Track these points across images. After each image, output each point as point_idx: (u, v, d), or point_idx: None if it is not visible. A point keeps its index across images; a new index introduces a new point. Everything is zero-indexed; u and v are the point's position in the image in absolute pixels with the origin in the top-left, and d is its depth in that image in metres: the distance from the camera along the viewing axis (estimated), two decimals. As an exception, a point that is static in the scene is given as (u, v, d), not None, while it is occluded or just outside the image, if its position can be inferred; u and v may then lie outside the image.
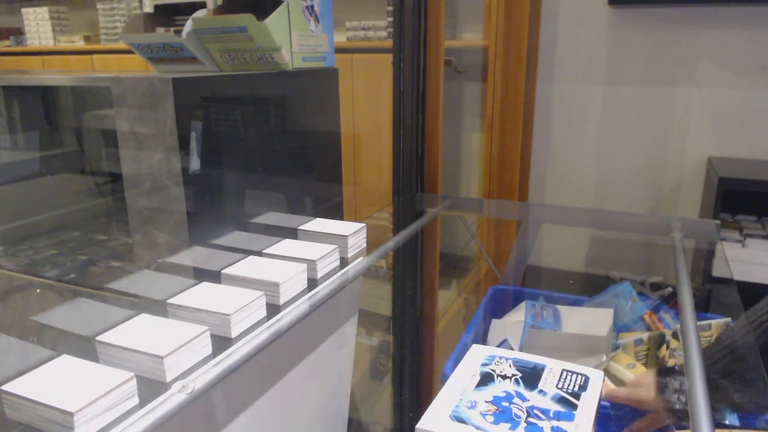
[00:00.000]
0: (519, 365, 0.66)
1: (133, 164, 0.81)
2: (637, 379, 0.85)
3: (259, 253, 0.84)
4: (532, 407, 0.58)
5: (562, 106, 2.32)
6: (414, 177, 1.45)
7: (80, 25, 3.73)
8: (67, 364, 0.55)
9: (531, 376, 0.64)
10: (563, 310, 1.38)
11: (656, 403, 0.79)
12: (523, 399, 0.59)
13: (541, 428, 0.55)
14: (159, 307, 0.68)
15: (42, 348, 0.63)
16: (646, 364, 1.18)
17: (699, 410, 0.59)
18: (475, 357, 0.68)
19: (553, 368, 0.65)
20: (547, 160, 2.39)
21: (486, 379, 0.63)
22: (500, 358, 0.67)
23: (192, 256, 0.82)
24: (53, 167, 1.29)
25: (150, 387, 0.55)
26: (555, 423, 0.56)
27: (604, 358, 1.16)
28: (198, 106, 0.80)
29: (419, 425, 0.55)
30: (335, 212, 1.16)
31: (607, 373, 1.11)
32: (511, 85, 1.90)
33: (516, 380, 0.63)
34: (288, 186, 1.03)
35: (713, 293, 1.69)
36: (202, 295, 0.69)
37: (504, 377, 0.63)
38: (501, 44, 1.88)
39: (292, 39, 0.97)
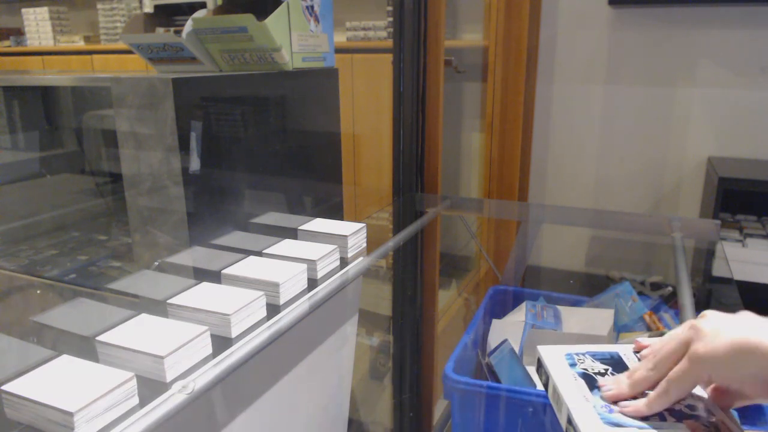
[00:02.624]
0: (598, 358, 0.66)
1: (133, 164, 0.81)
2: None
3: (259, 253, 0.84)
4: None
5: (562, 106, 2.32)
6: (414, 177, 1.45)
7: (80, 25, 3.73)
8: (67, 364, 0.55)
9: (618, 366, 0.64)
10: (563, 310, 1.38)
11: None
12: None
13: (680, 408, 0.56)
14: (159, 307, 0.68)
15: (42, 348, 0.63)
16: (646, 364, 1.18)
17: (699, 410, 0.59)
18: (556, 359, 0.67)
19: (626, 353, 0.65)
20: (547, 160, 2.39)
21: (588, 380, 0.62)
22: (578, 354, 0.67)
23: (192, 256, 0.82)
24: (53, 167, 1.29)
25: (150, 387, 0.55)
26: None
27: (604, 358, 1.16)
28: (198, 106, 0.81)
29: None
30: (335, 212, 1.16)
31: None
32: (511, 85, 1.90)
33: (611, 374, 0.63)
34: (288, 186, 1.03)
35: (713, 293, 1.69)
36: (202, 295, 0.69)
37: (600, 374, 0.63)
38: (501, 44, 1.88)
39: (292, 39, 0.97)
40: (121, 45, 3.13)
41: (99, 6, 3.41)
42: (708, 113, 2.12)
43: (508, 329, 1.36)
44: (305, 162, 1.08)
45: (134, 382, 0.53)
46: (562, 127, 2.34)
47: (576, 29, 2.22)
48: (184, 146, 0.78)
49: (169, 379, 0.56)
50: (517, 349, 1.27)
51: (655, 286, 1.92)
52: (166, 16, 1.07)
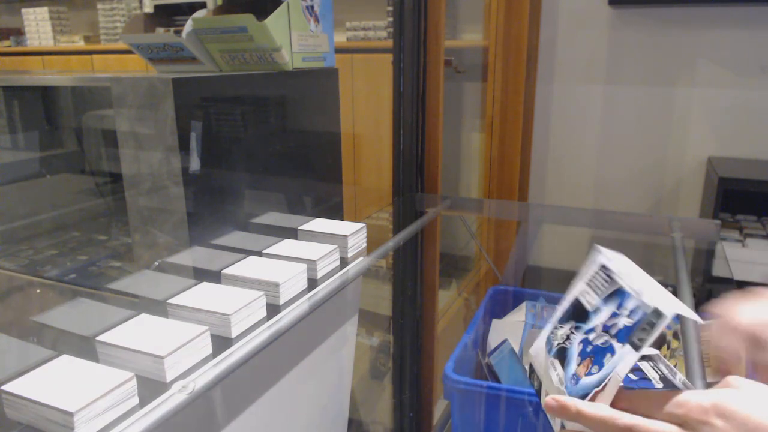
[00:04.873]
0: (564, 321, 0.59)
1: (133, 164, 0.81)
2: None
3: (259, 253, 0.84)
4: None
5: (562, 106, 2.32)
6: (414, 177, 1.45)
7: (80, 25, 3.73)
8: (67, 364, 0.55)
9: (579, 313, 0.57)
10: (563, 310, 1.38)
11: None
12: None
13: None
14: (159, 307, 0.68)
15: (42, 348, 0.63)
16: (646, 364, 1.18)
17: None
18: (539, 355, 0.60)
19: (581, 293, 0.58)
20: (547, 160, 2.39)
21: (561, 355, 0.57)
22: (552, 333, 0.60)
23: (192, 256, 0.82)
24: (53, 167, 1.29)
25: (150, 387, 0.55)
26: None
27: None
28: (198, 106, 0.80)
29: None
30: (335, 212, 1.16)
31: None
32: (511, 85, 1.90)
33: (575, 328, 0.57)
34: (288, 186, 1.03)
35: (713, 293, 1.68)
36: (202, 295, 0.69)
37: (568, 338, 0.57)
38: (501, 44, 1.88)
39: (292, 39, 0.97)
40: (121, 45, 3.13)
41: (99, 6, 3.41)
42: (708, 113, 2.11)
43: (508, 329, 1.36)
44: (305, 162, 1.08)
45: (134, 382, 0.53)
46: (562, 127, 2.34)
47: (576, 29, 2.22)
48: (184, 146, 0.78)
49: (169, 379, 0.56)
50: (517, 349, 1.27)
51: (655, 286, 1.91)
52: (166, 16, 1.07)
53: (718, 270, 1.66)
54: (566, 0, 2.22)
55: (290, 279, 0.75)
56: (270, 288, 0.73)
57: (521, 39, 1.85)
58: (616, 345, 0.50)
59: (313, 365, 0.88)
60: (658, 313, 0.48)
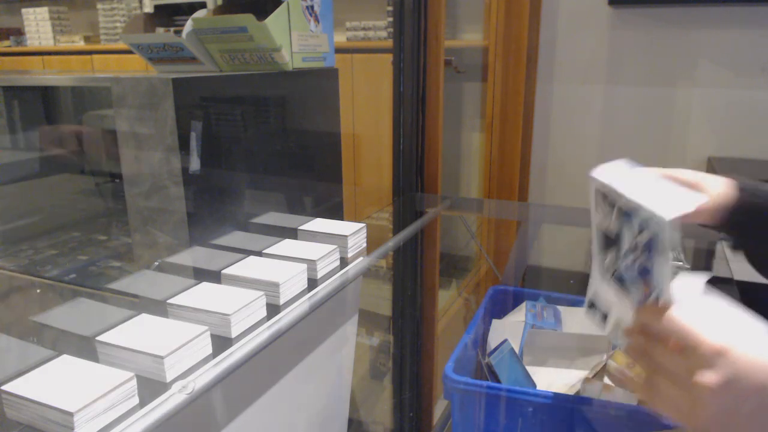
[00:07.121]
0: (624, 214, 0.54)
1: (133, 164, 0.81)
2: None
3: (259, 253, 0.84)
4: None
5: (562, 106, 2.31)
6: (414, 177, 1.45)
7: (80, 25, 3.73)
8: (67, 364, 0.55)
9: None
10: (563, 310, 1.38)
11: None
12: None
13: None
14: (159, 307, 0.68)
15: (42, 348, 0.63)
16: (646, 364, 1.18)
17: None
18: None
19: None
20: (547, 160, 2.39)
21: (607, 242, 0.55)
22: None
23: (192, 256, 0.82)
24: (53, 167, 1.29)
25: (150, 387, 0.55)
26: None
27: (604, 358, 1.16)
28: (198, 106, 0.80)
29: None
30: (335, 212, 1.16)
31: (607, 372, 1.11)
32: (511, 85, 1.90)
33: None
34: (288, 186, 1.03)
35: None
36: (202, 295, 0.69)
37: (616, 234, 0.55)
38: (501, 44, 1.88)
39: (292, 39, 0.97)
40: (121, 45, 3.12)
41: (99, 6, 3.41)
42: (708, 113, 2.11)
43: (508, 329, 1.36)
44: (305, 162, 1.08)
45: (134, 382, 0.53)
46: (562, 127, 2.34)
47: (576, 29, 2.22)
48: (184, 146, 0.78)
49: (169, 379, 0.56)
50: (517, 349, 1.27)
51: (655, 286, 1.91)
52: (166, 16, 1.07)
53: (718, 270, 1.66)
54: (566, 0, 2.22)
55: (290, 279, 0.75)
56: (270, 288, 0.73)
57: (521, 39, 1.85)
58: (648, 264, 0.49)
59: (313, 365, 0.88)
60: (657, 223, 0.46)
